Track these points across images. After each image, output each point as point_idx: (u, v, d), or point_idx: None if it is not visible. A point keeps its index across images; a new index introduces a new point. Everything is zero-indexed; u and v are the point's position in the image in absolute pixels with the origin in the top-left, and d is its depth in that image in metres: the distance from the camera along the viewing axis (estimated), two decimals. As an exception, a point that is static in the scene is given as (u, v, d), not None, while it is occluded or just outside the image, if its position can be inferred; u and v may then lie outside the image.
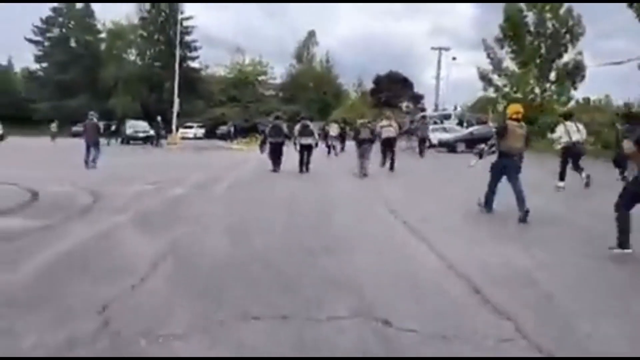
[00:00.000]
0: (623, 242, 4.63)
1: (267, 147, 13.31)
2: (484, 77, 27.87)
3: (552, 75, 26.34)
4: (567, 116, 10.46)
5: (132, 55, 50.91)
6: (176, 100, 28.90)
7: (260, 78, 52.34)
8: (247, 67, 51.20)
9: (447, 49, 47.38)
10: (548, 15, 25.47)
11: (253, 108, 47.81)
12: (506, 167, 6.64)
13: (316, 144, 13.28)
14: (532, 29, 26.06)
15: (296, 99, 51.02)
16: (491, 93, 28.35)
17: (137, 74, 46.77)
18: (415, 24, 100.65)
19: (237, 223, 6.17)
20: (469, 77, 65.29)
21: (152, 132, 28.80)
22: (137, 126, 28.97)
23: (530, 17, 25.95)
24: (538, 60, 25.69)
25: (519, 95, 26.77)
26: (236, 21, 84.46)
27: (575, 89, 25.90)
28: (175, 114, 28.77)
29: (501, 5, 26.51)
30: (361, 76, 55.46)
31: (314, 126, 13.92)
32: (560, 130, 9.76)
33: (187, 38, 48.48)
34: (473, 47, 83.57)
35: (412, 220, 6.32)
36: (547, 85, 26.18)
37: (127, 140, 28.37)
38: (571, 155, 9.54)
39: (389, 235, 5.64)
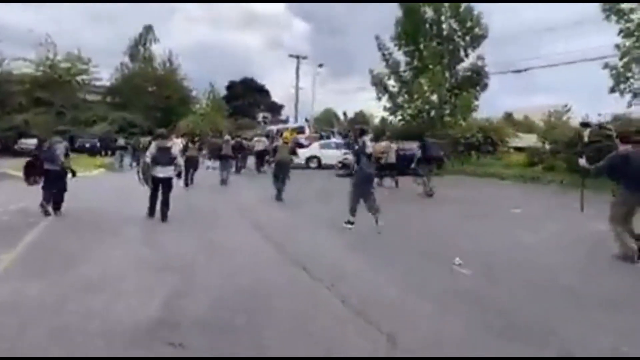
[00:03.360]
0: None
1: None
2: (379, 83, 23.42)
3: (451, 83, 23.11)
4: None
5: None
6: None
7: (79, 78, 40.34)
8: (60, 63, 38.99)
9: (304, 57, 43.78)
10: (447, 13, 22.23)
11: (71, 115, 36.43)
12: (280, 171, 11.31)
13: (178, 174, 8.94)
14: (428, 27, 22.59)
15: (130, 104, 40.82)
16: (385, 101, 23.97)
17: None
18: (253, 36, 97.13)
19: None
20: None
21: None
22: None
23: (429, 14, 22.43)
24: (438, 67, 22.04)
25: (417, 103, 23.01)
26: (54, 23, 69.14)
27: (476, 98, 23.04)
28: None
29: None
30: (212, 82, 47.53)
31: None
32: None
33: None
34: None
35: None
36: (446, 93, 22.71)
37: None
38: None
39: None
